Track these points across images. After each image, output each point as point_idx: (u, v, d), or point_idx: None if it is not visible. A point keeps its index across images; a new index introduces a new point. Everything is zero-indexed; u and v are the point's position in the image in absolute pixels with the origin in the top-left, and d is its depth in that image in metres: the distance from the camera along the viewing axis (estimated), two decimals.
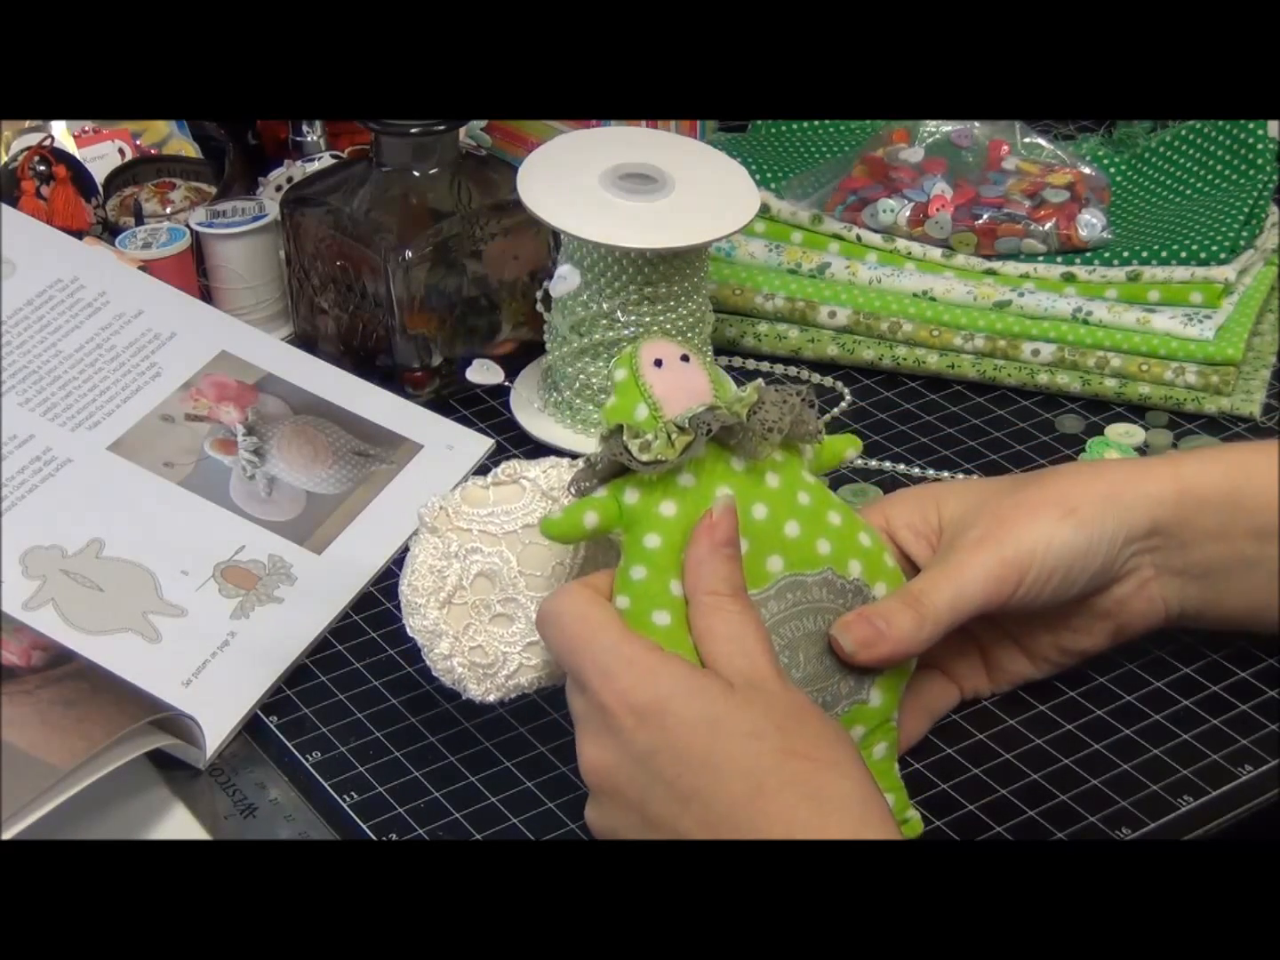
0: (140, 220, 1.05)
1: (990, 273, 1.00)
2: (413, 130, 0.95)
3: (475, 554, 0.72)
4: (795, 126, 1.14)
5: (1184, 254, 0.97)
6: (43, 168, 1.04)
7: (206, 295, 1.01)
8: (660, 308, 0.90)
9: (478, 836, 0.70)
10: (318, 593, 0.82)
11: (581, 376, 0.92)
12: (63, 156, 1.05)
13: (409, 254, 0.94)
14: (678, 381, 0.69)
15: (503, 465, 0.73)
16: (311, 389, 0.93)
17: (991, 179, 1.02)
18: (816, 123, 1.14)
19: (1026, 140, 1.06)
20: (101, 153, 1.11)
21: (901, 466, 0.92)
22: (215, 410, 0.90)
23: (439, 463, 0.90)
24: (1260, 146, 1.04)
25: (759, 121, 1.15)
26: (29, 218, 0.99)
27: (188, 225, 1.01)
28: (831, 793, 0.61)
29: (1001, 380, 0.98)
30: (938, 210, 1.00)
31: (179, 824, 0.71)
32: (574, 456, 0.73)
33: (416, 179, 0.97)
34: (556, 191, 0.89)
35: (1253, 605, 0.74)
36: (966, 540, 0.71)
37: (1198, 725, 0.75)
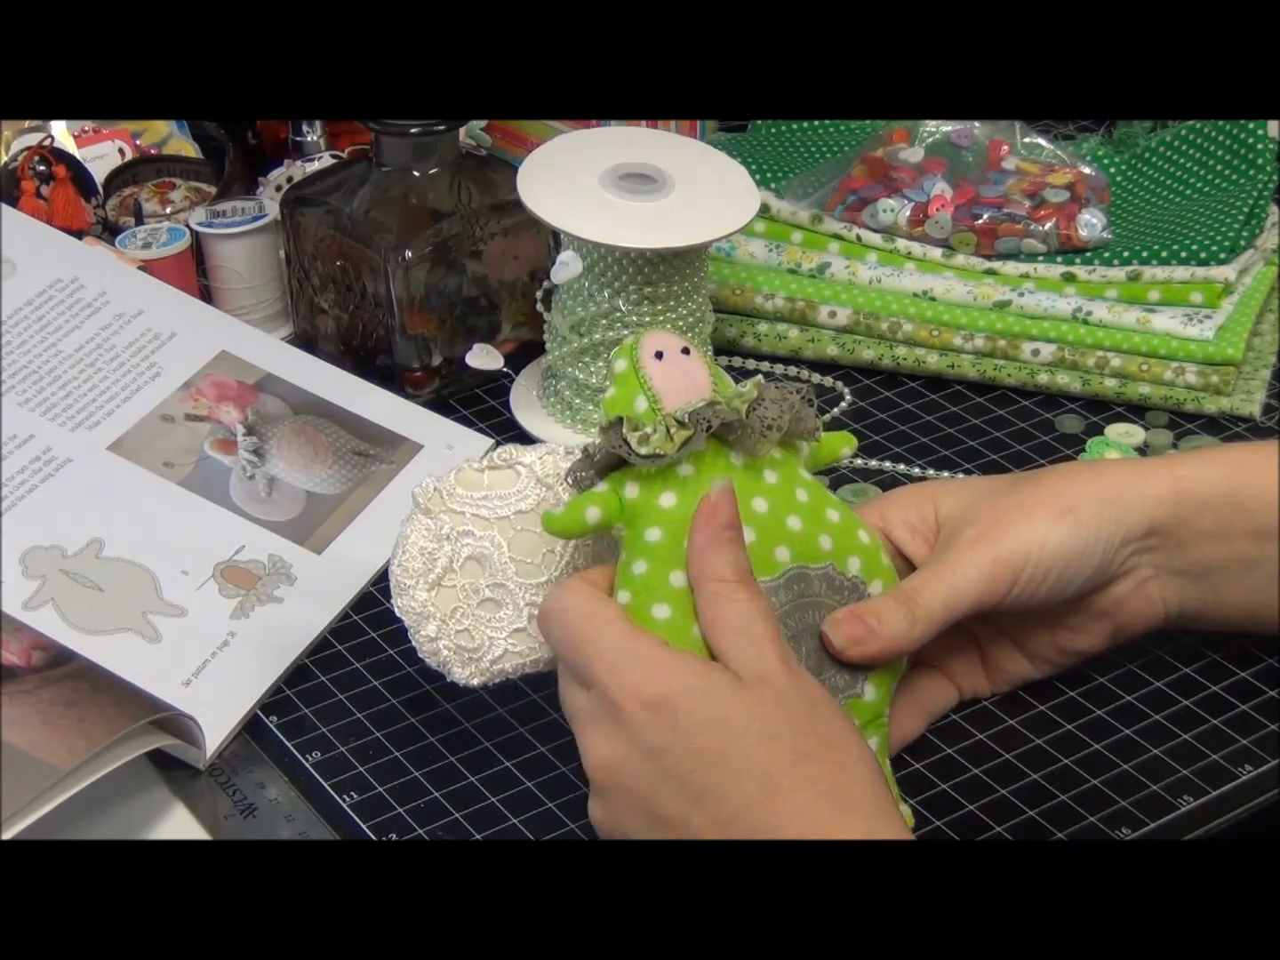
0: (140, 220, 1.05)
1: (990, 273, 1.00)
2: (413, 130, 0.95)
3: (467, 537, 0.71)
4: (795, 126, 1.14)
5: (1184, 254, 0.97)
6: (43, 168, 1.04)
7: (206, 295, 1.01)
8: (660, 308, 0.90)
9: (478, 836, 0.70)
10: (318, 593, 0.82)
11: (581, 376, 0.92)
12: (63, 156, 1.05)
13: (409, 254, 0.94)
14: (678, 374, 0.69)
15: (499, 449, 0.73)
16: (311, 389, 0.93)
17: (991, 179, 1.02)
18: (816, 123, 1.14)
19: (1026, 140, 1.06)
20: (101, 153, 1.11)
21: (901, 466, 0.92)
22: (215, 410, 0.90)
23: (439, 463, 0.90)
24: (1260, 146, 1.04)
25: (759, 121, 1.15)
26: (29, 218, 0.99)
27: (188, 225, 1.01)
28: (846, 794, 0.61)
29: (1001, 380, 0.98)
30: (938, 210, 1.00)
31: (179, 824, 0.71)
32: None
33: (416, 179, 0.97)
34: (556, 191, 0.89)
35: (1252, 605, 0.74)
36: (962, 539, 0.71)
37: (1198, 725, 0.75)
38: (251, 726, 0.76)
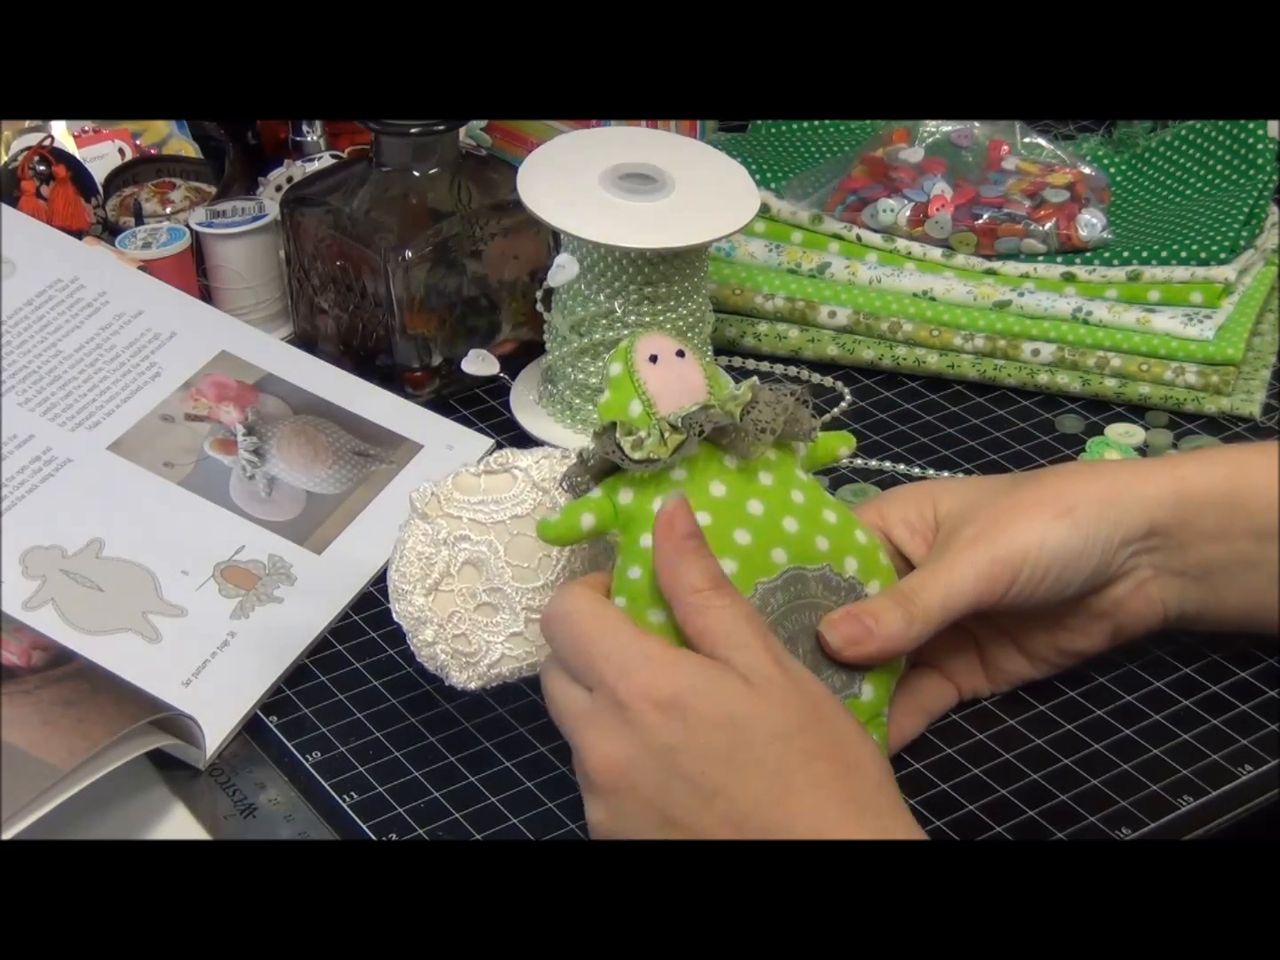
0: (140, 220, 1.05)
1: (990, 273, 1.00)
2: (413, 130, 0.95)
3: (463, 542, 0.71)
4: (795, 126, 1.14)
5: (1184, 254, 0.97)
6: (43, 168, 1.04)
7: (206, 295, 1.01)
8: (660, 308, 0.90)
9: (478, 836, 0.70)
10: (318, 593, 0.82)
11: (581, 376, 0.92)
12: (63, 156, 1.05)
13: (409, 254, 0.94)
14: (672, 377, 0.69)
15: (495, 454, 0.73)
16: (311, 389, 0.93)
17: (991, 179, 1.02)
18: (816, 123, 1.14)
19: (1026, 140, 1.06)
20: (101, 153, 1.11)
21: (901, 466, 0.92)
22: (215, 410, 0.90)
23: (439, 463, 0.90)
24: (1260, 146, 1.04)
25: (759, 121, 1.15)
26: (29, 218, 0.99)
27: (188, 225, 1.01)
28: (857, 793, 0.61)
29: (1001, 380, 0.98)
30: (938, 210, 1.00)
31: (179, 824, 0.71)
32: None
33: (416, 179, 0.97)
34: (556, 191, 0.89)
35: (1253, 606, 0.74)
36: (960, 538, 0.71)
37: (1198, 725, 0.75)
38: (251, 726, 0.76)
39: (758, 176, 1.01)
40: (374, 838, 0.70)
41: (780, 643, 0.65)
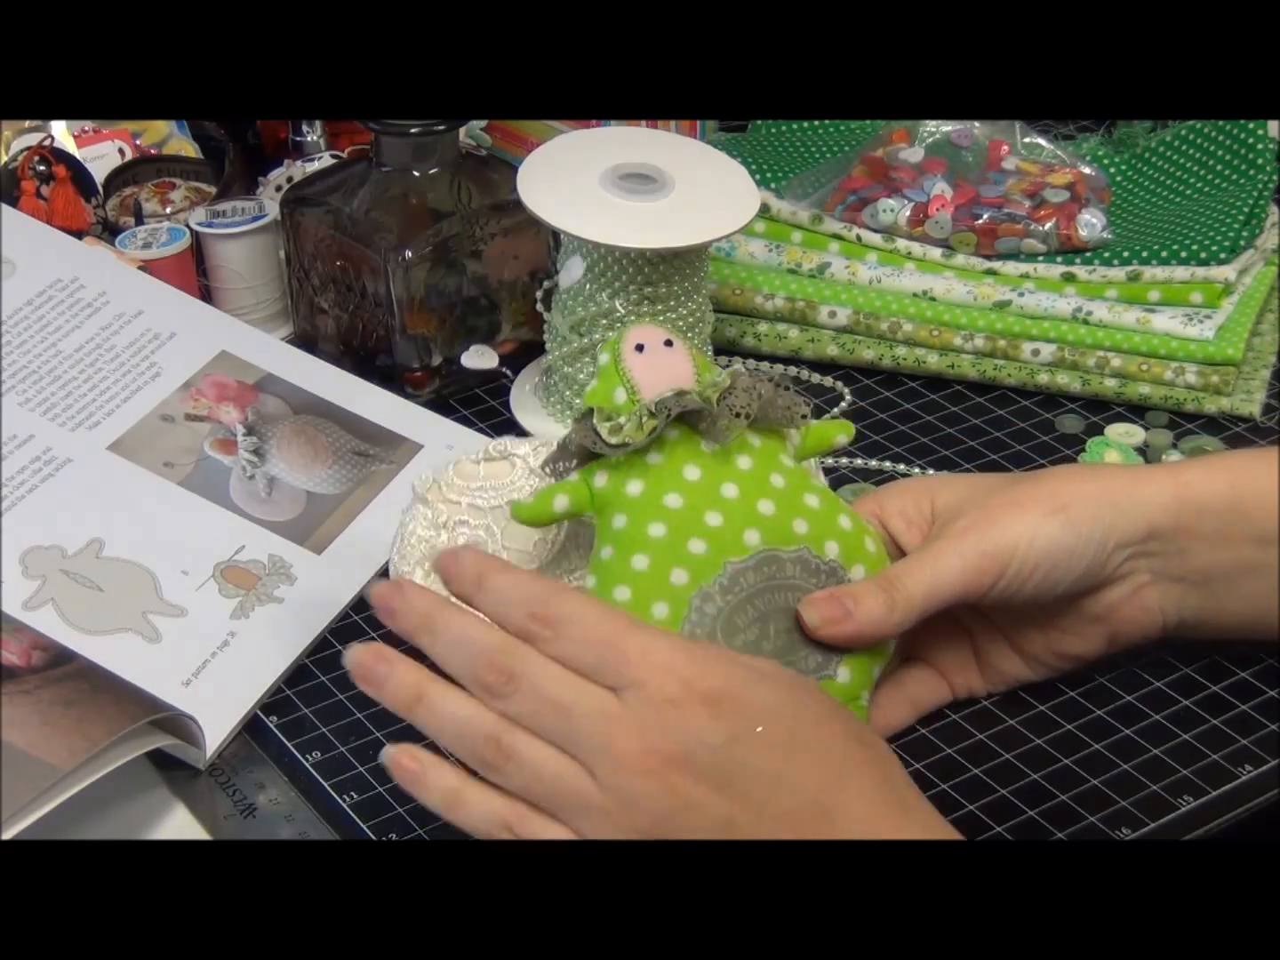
0: (140, 220, 1.05)
1: (990, 273, 1.00)
2: (413, 130, 0.95)
3: (462, 526, 0.74)
4: (795, 126, 1.14)
5: (1184, 254, 0.97)
6: (43, 168, 1.04)
7: (206, 295, 1.01)
8: (660, 308, 0.90)
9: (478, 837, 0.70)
10: (318, 593, 0.82)
11: (581, 376, 0.92)
12: (63, 156, 1.05)
13: (409, 254, 0.94)
14: (657, 366, 0.70)
15: (495, 441, 0.76)
16: (311, 389, 0.93)
17: (991, 179, 1.02)
18: (816, 123, 1.14)
19: (1026, 140, 1.06)
20: (101, 153, 1.11)
21: (901, 466, 0.92)
22: (215, 410, 0.90)
23: (439, 463, 0.90)
24: (1260, 146, 1.04)
25: (759, 121, 1.15)
26: (29, 218, 0.99)
27: (188, 225, 1.01)
28: (895, 782, 0.62)
29: (1001, 380, 0.98)
30: (938, 210, 1.00)
31: (179, 824, 0.71)
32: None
33: (416, 179, 0.97)
34: (556, 191, 0.89)
35: (1255, 613, 0.74)
36: (952, 530, 0.71)
37: (1198, 725, 0.75)
38: (251, 726, 0.76)
39: (758, 176, 1.01)
40: (374, 838, 0.70)
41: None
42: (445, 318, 0.97)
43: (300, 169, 1.08)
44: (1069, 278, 0.98)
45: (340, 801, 0.72)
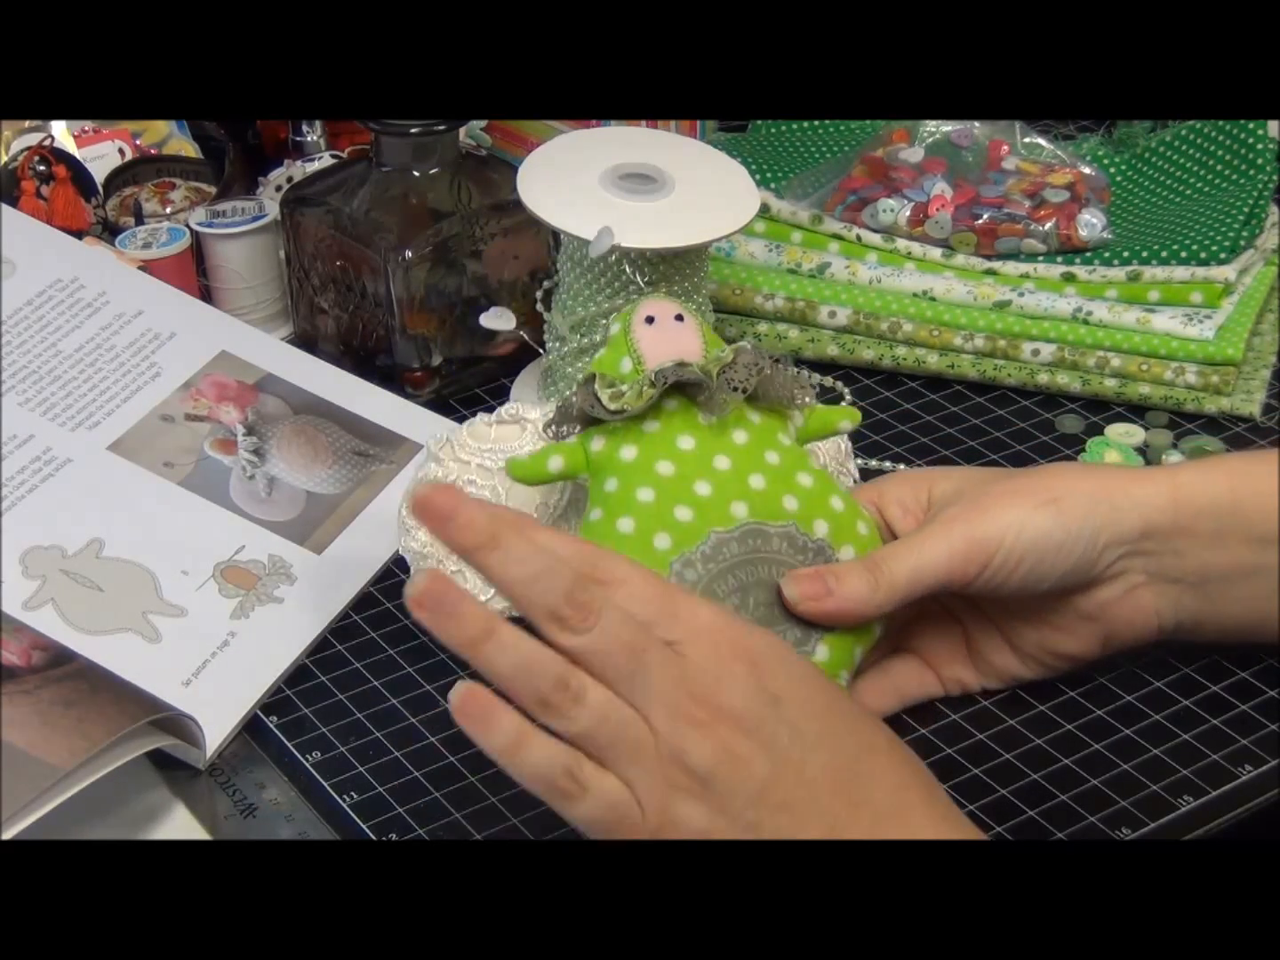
0: (140, 220, 1.05)
1: (990, 273, 1.00)
2: (413, 130, 0.95)
3: (470, 485, 0.77)
4: (795, 126, 1.14)
5: (1184, 254, 0.97)
6: (43, 168, 1.04)
7: (206, 295, 1.01)
8: None
9: (478, 836, 0.70)
10: (318, 593, 0.83)
11: (581, 376, 0.92)
12: (63, 156, 1.05)
13: (409, 254, 0.94)
14: (665, 339, 0.72)
15: (507, 405, 0.79)
16: (311, 389, 0.93)
17: (991, 179, 1.02)
18: (816, 123, 1.14)
19: (1026, 140, 1.06)
20: (101, 153, 1.11)
21: (901, 466, 0.92)
22: (215, 410, 0.90)
23: None
24: (1260, 146, 1.04)
25: (759, 121, 1.15)
26: (29, 218, 0.99)
27: (188, 225, 1.01)
28: (921, 765, 0.64)
29: (1001, 380, 0.98)
30: (938, 210, 1.00)
31: (179, 824, 0.71)
32: None
33: (416, 179, 0.97)
34: (556, 191, 0.89)
35: (1253, 615, 0.74)
36: (942, 517, 0.72)
37: (1198, 725, 0.75)
38: (251, 726, 0.76)
39: (758, 176, 1.01)
40: (374, 838, 0.70)
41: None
42: (445, 318, 0.97)
43: (300, 169, 1.08)
44: (1069, 278, 0.98)
45: (340, 801, 0.72)
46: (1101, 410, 0.97)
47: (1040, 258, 1.00)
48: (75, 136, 1.11)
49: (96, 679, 0.71)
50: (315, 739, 0.75)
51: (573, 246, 0.90)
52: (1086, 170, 1.04)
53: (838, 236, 1.02)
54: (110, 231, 1.04)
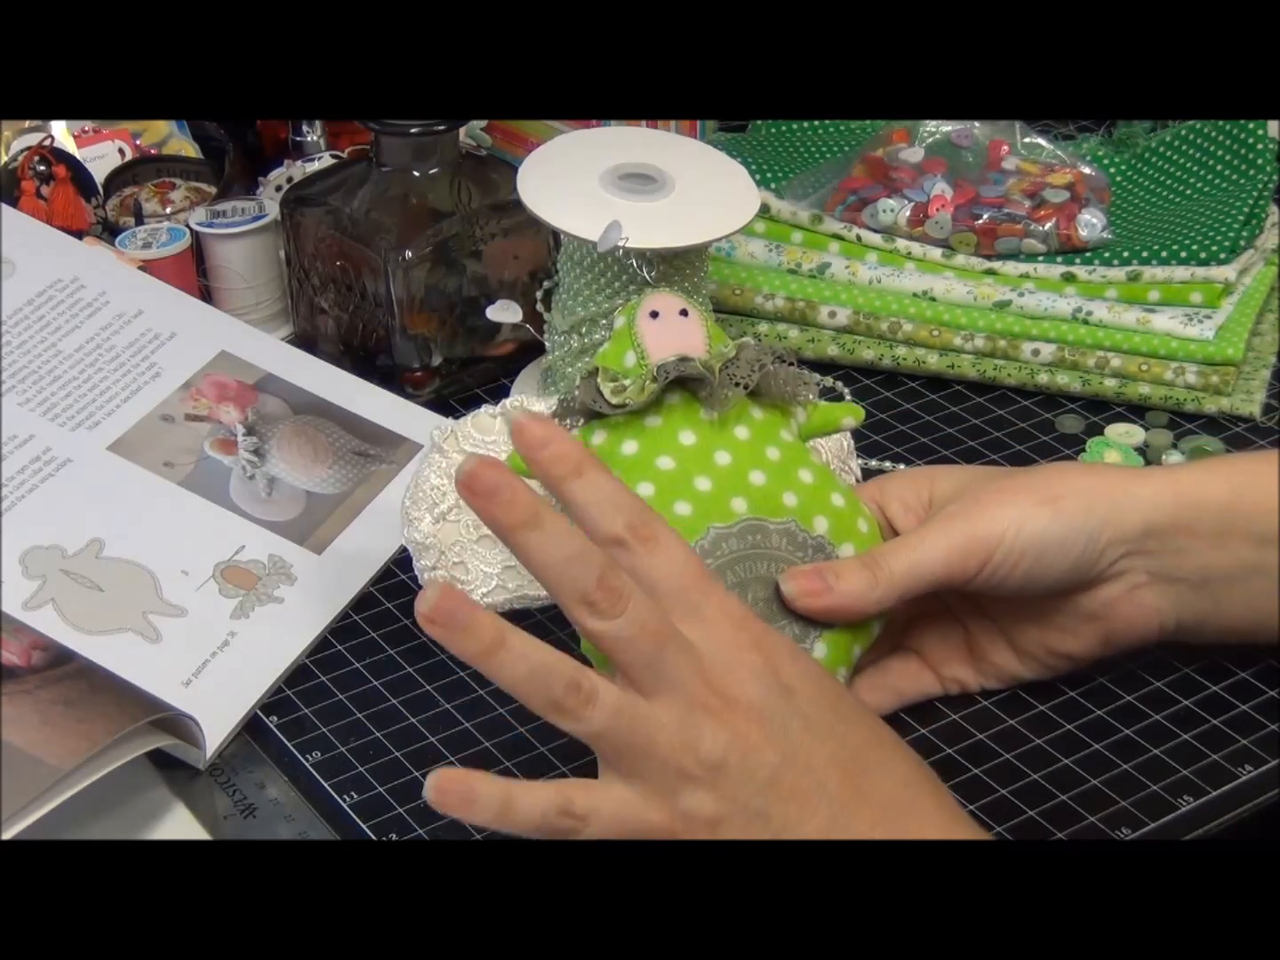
0: (140, 220, 1.05)
1: (990, 273, 1.00)
2: (413, 130, 0.95)
3: None
4: (795, 126, 1.14)
5: (1184, 254, 0.97)
6: (43, 168, 1.04)
7: (206, 295, 1.01)
8: None
9: (478, 836, 0.70)
10: (318, 593, 0.83)
11: (584, 370, 0.92)
12: (63, 156, 1.05)
13: (409, 254, 0.94)
14: (670, 334, 0.72)
15: (512, 398, 0.79)
16: (311, 389, 0.93)
17: (991, 179, 1.02)
18: (816, 123, 1.14)
19: (1026, 140, 1.06)
20: (101, 153, 1.11)
21: (901, 466, 0.92)
22: (215, 410, 0.90)
23: None
24: (1260, 146, 1.04)
25: (759, 121, 1.15)
26: (29, 218, 0.99)
27: (188, 225, 1.01)
28: (913, 751, 0.64)
29: (1001, 380, 0.98)
30: (938, 210, 1.00)
31: (179, 824, 0.71)
32: None
33: (416, 179, 0.97)
34: (556, 191, 0.89)
35: (1255, 615, 0.74)
36: (942, 514, 0.72)
37: (1198, 725, 0.75)
38: (251, 726, 0.76)
39: (758, 176, 1.01)
40: (374, 838, 0.70)
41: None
42: (445, 318, 0.97)
43: (300, 169, 1.08)
44: (1069, 278, 0.98)
45: (340, 801, 0.72)
46: (1101, 410, 0.97)
47: (1040, 258, 1.00)
48: (75, 136, 1.11)
49: (96, 679, 0.71)
50: (315, 739, 0.75)
51: (573, 246, 0.90)
52: (1086, 170, 1.04)
53: (838, 236, 1.02)
54: (110, 231, 1.04)
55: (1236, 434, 0.94)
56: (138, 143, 1.13)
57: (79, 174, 1.05)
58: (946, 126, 1.06)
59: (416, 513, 0.77)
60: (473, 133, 1.09)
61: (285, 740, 0.75)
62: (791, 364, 0.73)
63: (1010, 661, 0.76)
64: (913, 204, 1.01)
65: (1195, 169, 1.06)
